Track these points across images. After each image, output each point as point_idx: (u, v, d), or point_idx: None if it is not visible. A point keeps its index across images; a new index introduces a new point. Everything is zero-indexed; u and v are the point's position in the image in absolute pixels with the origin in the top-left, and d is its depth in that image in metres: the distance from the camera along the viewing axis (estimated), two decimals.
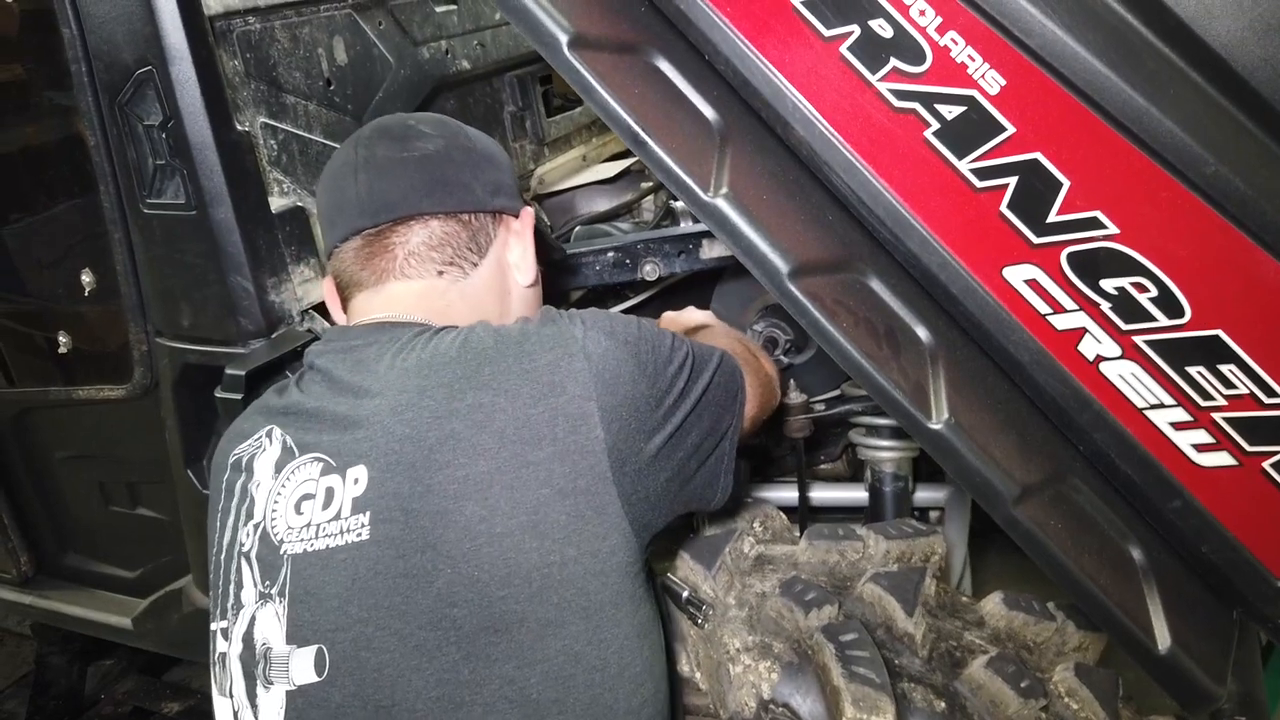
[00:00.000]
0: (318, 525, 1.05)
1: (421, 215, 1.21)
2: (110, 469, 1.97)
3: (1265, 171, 0.93)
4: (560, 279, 1.71)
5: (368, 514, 1.02)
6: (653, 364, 1.07)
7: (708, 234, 1.58)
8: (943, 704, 1.15)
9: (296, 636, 1.03)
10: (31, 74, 1.71)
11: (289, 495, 1.09)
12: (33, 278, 1.90)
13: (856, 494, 1.84)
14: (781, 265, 1.04)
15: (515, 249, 1.30)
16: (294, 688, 1.02)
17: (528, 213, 1.32)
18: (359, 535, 1.02)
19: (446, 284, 1.23)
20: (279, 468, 1.12)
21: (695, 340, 1.17)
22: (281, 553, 1.07)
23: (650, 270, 1.66)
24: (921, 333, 1.10)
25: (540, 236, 1.44)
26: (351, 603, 1.01)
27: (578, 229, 1.95)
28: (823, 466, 2.00)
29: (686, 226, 1.68)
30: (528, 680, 0.98)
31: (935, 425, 1.04)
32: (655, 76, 1.12)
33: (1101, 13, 0.95)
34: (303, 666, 1.02)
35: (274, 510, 1.10)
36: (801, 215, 1.10)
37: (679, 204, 1.76)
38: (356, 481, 1.04)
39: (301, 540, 1.06)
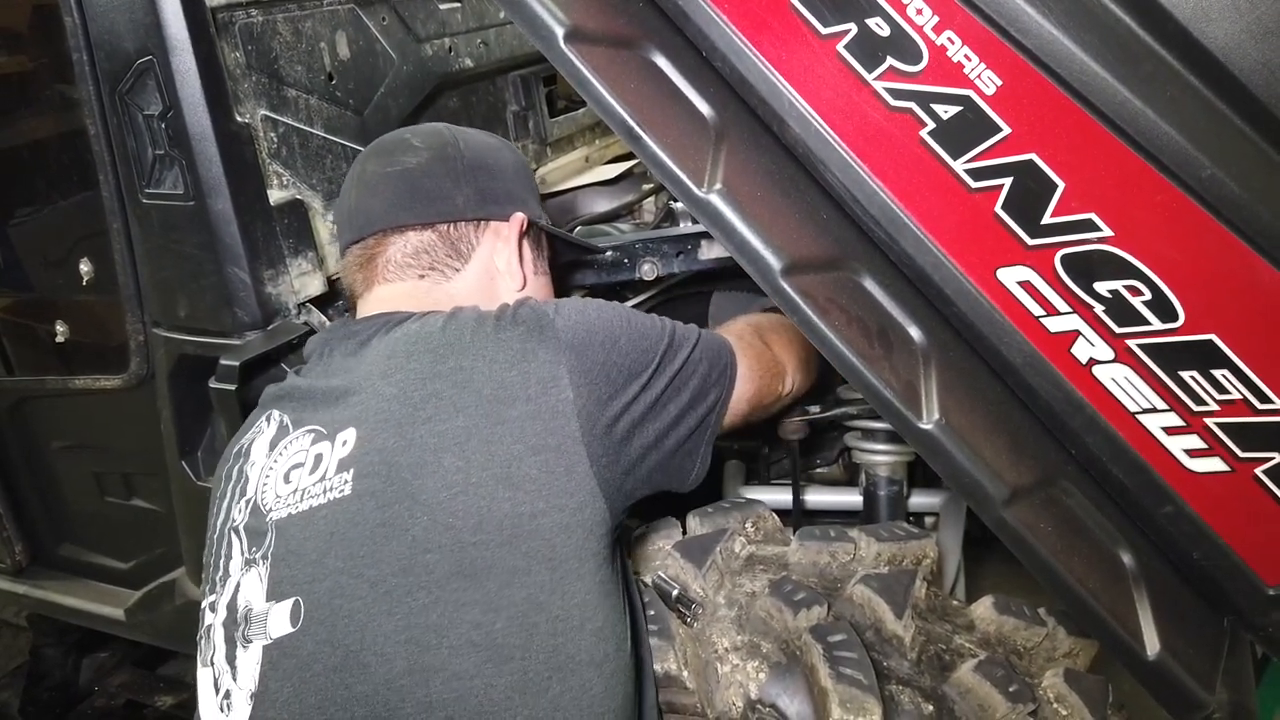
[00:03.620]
0: (304, 489, 1.11)
1: (399, 227, 1.31)
2: (106, 459, 1.97)
3: (1261, 175, 0.92)
4: (559, 278, 1.71)
5: (351, 470, 1.08)
6: (626, 335, 1.13)
7: (706, 235, 1.58)
8: (930, 707, 1.14)
9: (275, 593, 1.08)
10: (36, 63, 1.72)
11: (281, 467, 1.16)
12: (31, 267, 1.90)
13: (852, 498, 1.84)
14: (774, 262, 1.03)
15: (502, 255, 1.34)
16: (270, 641, 1.06)
17: (516, 219, 1.35)
18: (342, 491, 1.08)
19: (429, 285, 1.31)
20: (273, 445, 1.19)
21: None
22: (268, 520, 1.12)
23: (648, 270, 1.66)
24: (914, 333, 1.10)
25: (554, 238, 1.50)
26: (329, 554, 1.06)
27: (578, 229, 1.95)
28: (818, 470, 2.00)
29: (685, 227, 1.68)
30: (493, 625, 1.02)
31: (926, 425, 1.03)
32: (652, 72, 1.12)
33: (1099, 14, 0.94)
34: (280, 619, 1.06)
35: (265, 483, 1.16)
36: (796, 213, 1.10)
37: (679, 205, 1.76)
38: (345, 444, 1.11)
39: (287, 505, 1.12)
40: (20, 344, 1.99)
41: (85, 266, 1.72)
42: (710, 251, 1.61)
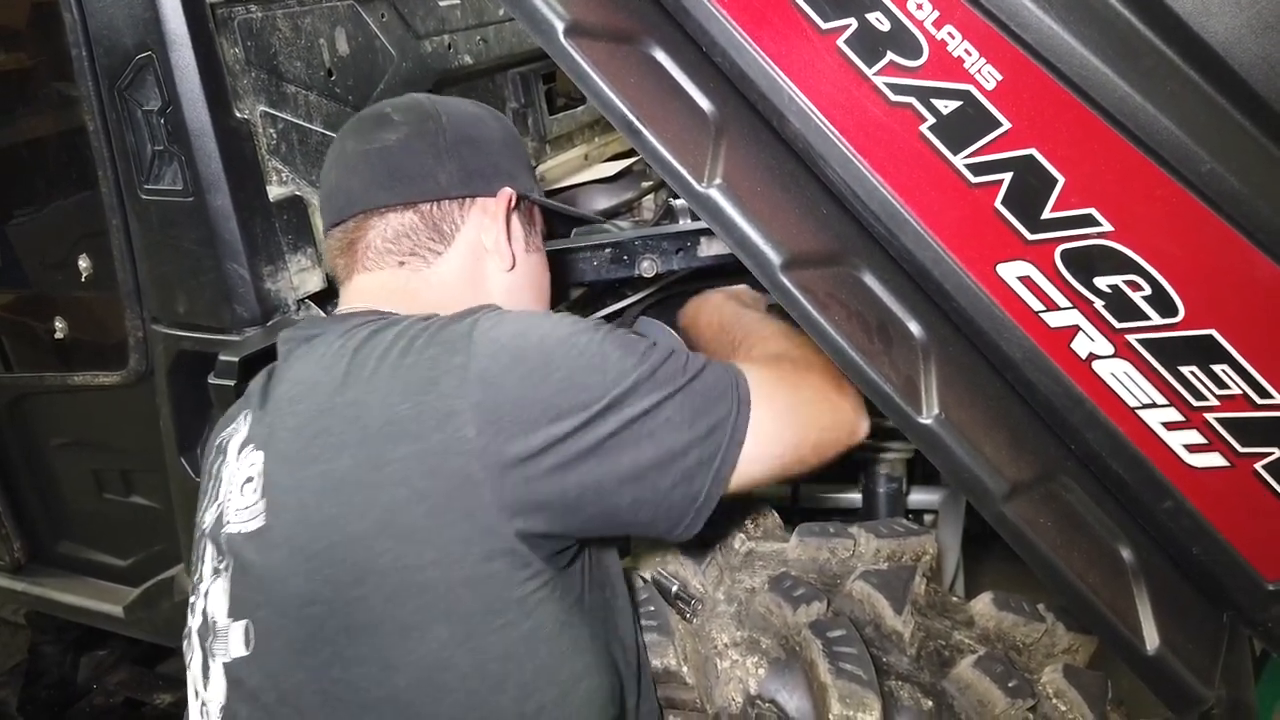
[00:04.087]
0: (249, 506, 1.05)
1: (379, 209, 1.22)
2: (104, 456, 1.97)
3: (1261, 170, 0.92)
4: (558, 275, 1.71)
5: (264, 502, 1.03)
6: (567, 367, 0.98)
7: (705, 231, 1.58)
8: (930, 702, 1.14)
9: (234, 611, 1.05)
10: (35, 60, 1.72)
11: (239, 478, 1.09)
12: (30, 263, 1.90)
13: (851, 495, 1.84)
14: (774, 257, 1.03)
15: (490, 233, 1.26)
16: (230, 660, 1.04)
17: (504, 194, 1.27)
18: (259, 522, 1.03)
19: (408, 274, 1.23)
20: (240, 449, 1.12)
21: (695, 353, 1.06)
22: (224, 532, 1.08)
23: (648, 267, 1.65)
24: (914, 328, 1.10)
25: (549, 213, 1.43)
26: (262, 585, 1.01)
27: (577, 229, 1.95)
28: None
29: (685, 224, 1.68)
30: (395, 684, 0.95)
31: (925, 420, 1.03)
32: (652, 67, 1.11)
33: (1099, 9, 0.94)
34: (237, 640, 1.03)
35: (229, 493, 1.10)
36: (796, 208, 1.10)
37: (679, 202, 1.75)
38: (260, 469, 1.06)
39: (238, 522, 1.06)
40: (19, 340, 1.99)
41: (84, 263, 1.72)
42: (709, 248, 1.61)
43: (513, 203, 1.28)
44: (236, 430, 1.16)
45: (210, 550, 1.11)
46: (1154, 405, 1.04)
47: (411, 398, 0.97)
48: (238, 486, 1.08)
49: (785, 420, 1.08)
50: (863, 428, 1.17)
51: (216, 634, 1.06)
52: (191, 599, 1.14)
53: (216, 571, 1.08)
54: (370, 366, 1.01)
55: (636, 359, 1.00)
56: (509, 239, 1.27)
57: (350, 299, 1.26)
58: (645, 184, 2.08)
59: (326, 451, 0.99)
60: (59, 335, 1.84)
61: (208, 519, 1.14)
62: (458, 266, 1.25)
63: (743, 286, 1.67)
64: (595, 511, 0.99)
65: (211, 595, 1.08)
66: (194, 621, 1.12)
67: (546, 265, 1.38)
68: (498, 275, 1.27)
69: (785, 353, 1.22)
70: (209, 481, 1.18)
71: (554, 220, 1.50)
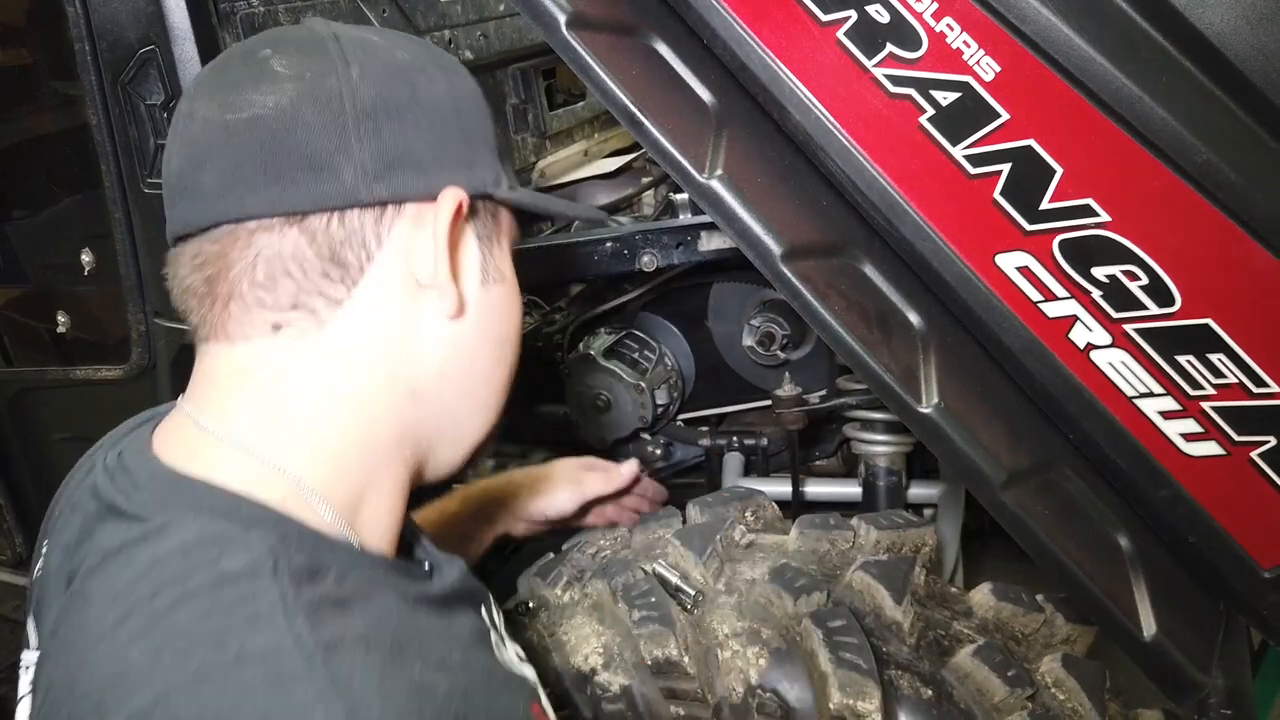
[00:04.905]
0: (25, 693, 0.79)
1: (244, 220, 0.75)
2: None
3: (1256, 161, 0.94)
4: (554, 271, 1.72)
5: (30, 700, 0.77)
6: None
7: (706, 226, 1.59)
8: (929, 691, 1.15)
9: None
10: (37, 54, 1.73)
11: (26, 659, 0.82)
12: (32, 258, 1.90)
13: (850, 489, 1.85)
14: (775, 247, 1.04)
15: (425, 259, 0.79)
16: None
17: (448, 196, 0.79)
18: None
19: (288, 347, 0.77)
20: (32, 636, 0.82)
21: None
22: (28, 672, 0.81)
23: (648, 261, 1.66)
24: (913, 318, 1.11)
25: (525, 213, 0.93)
26: None
27: (577, 221, 1.96)
28: (818, 463, 2.01)
29: (685, 219, 1.69)
30: None
31: (925, 409, 1.04)
32: (653, 59, 1.12)
33: (1097, 1, 0.95)
34: None
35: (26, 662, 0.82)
36: (796, 199, 1.11)
37: (679, 197, 1.77)
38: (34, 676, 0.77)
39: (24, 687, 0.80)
40: (21, 335, 1.99)
41: (86, 257, 1.73)
42: (710, 243, 1.62)
43: (463, 209, 0.81)
44: (44, 554, 0.85)
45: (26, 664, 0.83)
46: (1151, 394, 1.05)
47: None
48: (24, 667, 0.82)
49: None
50: None
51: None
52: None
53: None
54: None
55: None
56: (455, 267, 0.82)
57: (200, 391, 0.81)
58: (645, 180, 2.09)
59: None
60: (61, 330, 1.84)
61: (29, 633, 0.84)
62: (369, 324, 0.79)
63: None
64: None
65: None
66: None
67: (517, 299, 0.91)
68: (436, 328, 0.82)
69: None
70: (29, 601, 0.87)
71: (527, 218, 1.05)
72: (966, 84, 1.00)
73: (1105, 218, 0.99)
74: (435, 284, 0.80)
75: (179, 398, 0.84)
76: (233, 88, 0.77)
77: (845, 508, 1.84)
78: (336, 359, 0.78)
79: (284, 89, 0.76)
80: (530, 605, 1.33)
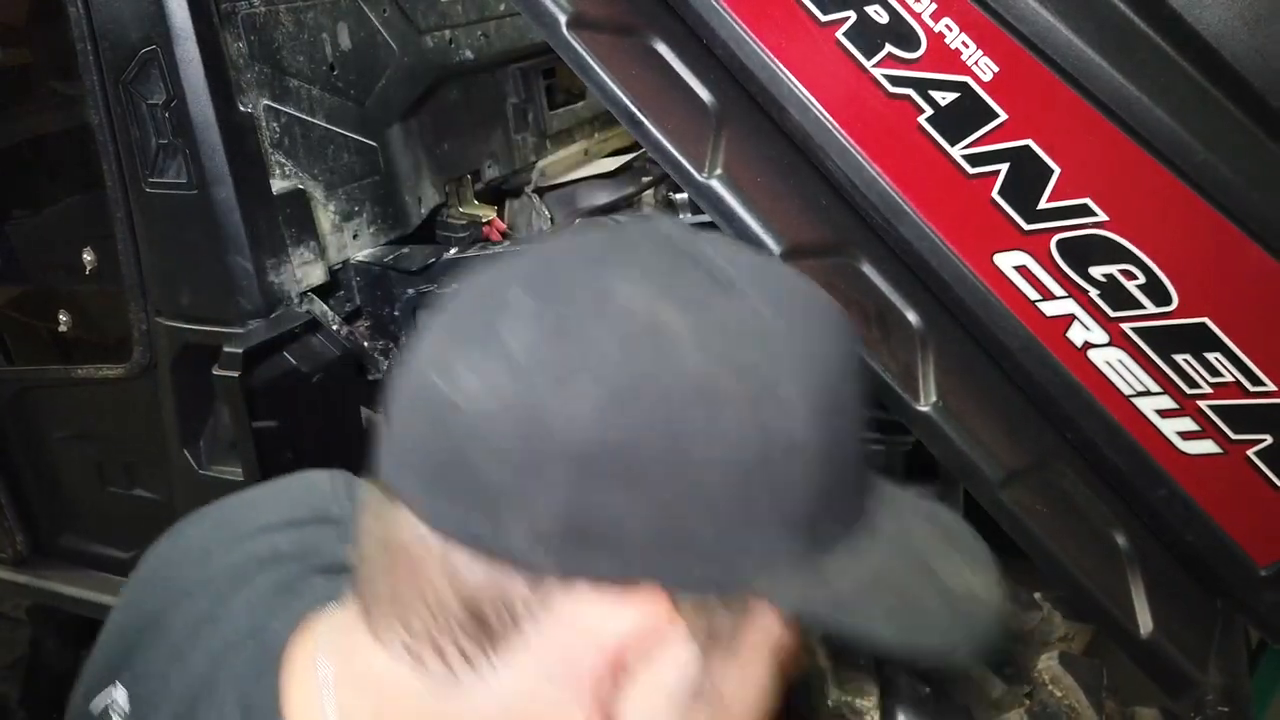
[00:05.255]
0: None
1: (429, 518, 0.51)
2: (107, 449, 1.98)
3: (1253, 160, 0.94)
4: None
5: None
6: None
7: (705, 225, 1.59)
8: (927, 688, 1.16)
9: None
10: (39, 53, 1.73)
11: None
12: (34, 256, 1.91)
13: None
14: (774, 247, 1.05)
15: (562, 678, 0.52)
16: None
17: (648, 599, 0.49)
18: None
19: (426, 688, 0.54)
20: None
21: None
22: None
23: None
24: (912, 317, 1.11)
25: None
26: None
27: (578, 221, 1.96)
28: None
29: (685, 218, 1.69)
30: None
31: (923, 407, 1.04)
32: (653, 59, 1.13)
33: (1094, 1, 0.96)
34: None
35: None
36: (795, 199, 1.11)
37: (679, 197, 1.77)
38: None
39: None
40: (22, 334, 1.99)
41: (88, 256, 1.73)
42: None
43: (668, 621, 0.50)
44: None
45: None
46: (1148, 393, 1.05)
47: None
48: None
49: None
50: None
51: None
52: None
53: None
54: None
55: None
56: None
57: (348, 693, 0.59)
58: (645, 179, 2.09)
59: None
60: (63, 328, 1.84)
61: None
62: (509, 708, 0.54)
63: None
64: None
65: None
66: None
67: None
68: None
69: None
70: None
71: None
72: (965, 84, 1.00)
73: (1103, 217, 0.99)
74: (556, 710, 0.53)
75: (338, 615, 0.63)
76: (479, 329, 0.53)
77: None
78: None
79: (493, 371, 0.50)
80: None
